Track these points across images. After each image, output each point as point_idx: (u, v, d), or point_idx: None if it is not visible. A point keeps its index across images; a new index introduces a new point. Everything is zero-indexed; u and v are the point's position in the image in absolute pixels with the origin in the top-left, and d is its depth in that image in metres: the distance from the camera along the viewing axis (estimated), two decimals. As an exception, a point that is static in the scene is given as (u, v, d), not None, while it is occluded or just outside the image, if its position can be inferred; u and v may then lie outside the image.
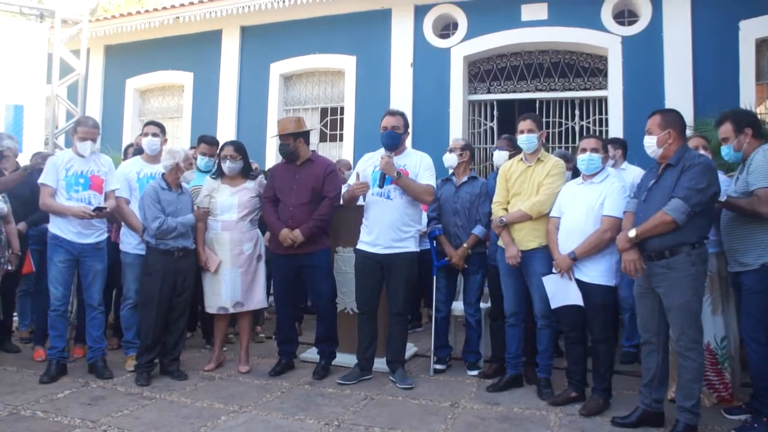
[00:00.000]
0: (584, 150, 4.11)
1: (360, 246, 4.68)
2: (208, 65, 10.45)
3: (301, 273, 4.78)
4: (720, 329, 4.09)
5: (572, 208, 4.10)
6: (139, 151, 5.47)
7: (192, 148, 5.86)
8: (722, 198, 3.72)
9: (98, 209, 4.53)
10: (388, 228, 4.56)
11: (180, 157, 4.65)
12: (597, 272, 3.98)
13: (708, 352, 4.03)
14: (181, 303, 4.72)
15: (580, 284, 4.00)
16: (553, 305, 4.13)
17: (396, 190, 4.57)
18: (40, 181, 4.60)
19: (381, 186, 4.55)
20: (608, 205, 3.96)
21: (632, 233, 3.55)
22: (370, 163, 4.73)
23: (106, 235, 4.81)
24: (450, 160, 5.11)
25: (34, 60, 7.31)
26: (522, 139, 4.41)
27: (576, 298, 4.00)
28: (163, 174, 4.69)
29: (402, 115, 4.75)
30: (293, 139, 4.79)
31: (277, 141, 4.89)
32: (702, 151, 4.11)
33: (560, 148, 8.38)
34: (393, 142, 4.61)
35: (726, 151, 3.81)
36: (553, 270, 4.10)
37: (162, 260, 4.58)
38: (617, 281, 4.11)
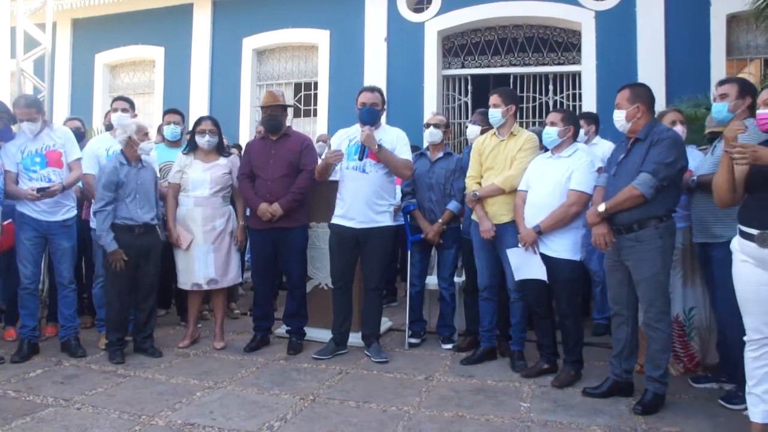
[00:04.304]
0: (545, 124, 4.17)
1: (335, 221, 4.64)
2: (179, 40, 10.27)
3: (277, 249, 4.78)
4: (689, 301, 4.16)
5: (540, 182, 4.11)
6: (109, 127, 5.39)
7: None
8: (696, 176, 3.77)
9: (41, 189, 4.41)
10: (363, 202, 4.54)
11: (132, 129, 4.53)
12: (562, 247, 4.01)
13: (676, 324, 4.10)
14: (148, 281, 4.65)
15: (546, 259, 4.03)
16: (517, 277, 4.17)
17: (372, 164, 4.53)
18: None
19: (360, 158, 4.49)
20: (575, 179, 3.97)
21: (601, 207, 3.58)
22: (345, 137, 4.68)
23: (74, 213, 4.73)
24: (435, 136, 5.04)
25: (-4, 33, 7.11)
26: (489, 114, 4.44)
27: (539, 272, 4.04)
28: (121, 149, 4.61)
29: (379, 91, 4.72)
30: (282, 110, 4.80)
31: (255, 114, 4.85)
32: (679, 126, 4.14)
33: (534, 123, 8.43)
34: (372, 119, 4.55)
35: (719, 108, 3.70)
36: (519, 243, 4.13)
37: (121, 236, 4.46)
38: (583, 256, 4.15)
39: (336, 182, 4.72)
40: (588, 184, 3.93)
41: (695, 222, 3.87)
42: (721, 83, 3.82)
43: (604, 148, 5.11)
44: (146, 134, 4.60)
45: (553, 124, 4.10)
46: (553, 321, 4.24)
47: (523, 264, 4.11)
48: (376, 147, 4.42)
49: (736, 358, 3.49)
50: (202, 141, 4.86)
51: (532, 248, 4.05)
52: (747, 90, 3.69)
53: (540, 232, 4.01)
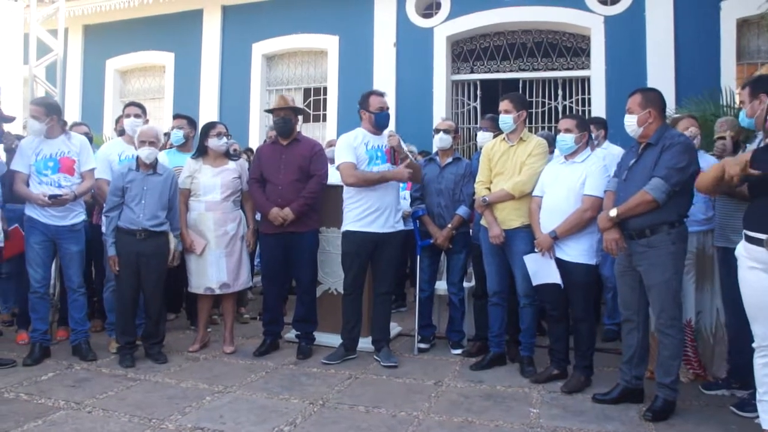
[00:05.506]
0: (559, 131, 4.16)
1: (353, 227, 4.57)
2: (189, 45, 10.33)
3: (288, 253, 4.78)
4: (699, 305, 4.14)
5: (554, 187, 4.11)
6: (121, 132, 5.43)
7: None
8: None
9: (53, 197, 4.44)
10: (391, 207, 4.60)
11: (134, 135, 4.61)
12: (578, 251, 4.01)
13: (688, 328, 4.08)
14: (149, 286, 4.60)
15: (562, 263, 4.03)
16: (535, 283, 4.17)
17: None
18: (12, 167, 4.55)
19: (394, 163, 4.53)
20: (589, 184, 3.97)
21: (613, 212, 3.57)
22: (360, 142, 4.62)
23: (82, 218, 4.75)
24: (445, 141, 5.00)
25: (10, 40, 7.18)
26: (500, 120, 4.44)
27: (555, 277, 4.04)
28: (137, 155, 4.62)
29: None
30: (294, 114, 4.84)
31: (265, 119, 4.88)
32: (694, 131, 4.11)
33: (543, 128, 8.42)
34: (388, 123, 4.67)
35: (741, 116, 3.58)
36: (535, 249, 4.13)
37: (123, 240, 4.49)
38: (598, 260, 4.14)
39: (341, 187, 4.71)
40: (602, 189, 3.92)
41: (717, 226, 3.86)
42: (741, 87, 3.59)
43: (613, 153, 5.09)
44: (143, 142, 4.52)
45: (568, 131, 4.08)
46: (568, 325, 4.23)
47: (541, 269, 4.11)
48: (405, 152, 4.47)
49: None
50: (220, 143, 4.88)
51: (549, 254, 4.05)
52: (758, 88, 3.29)
53: (556, 237, 4.01)
